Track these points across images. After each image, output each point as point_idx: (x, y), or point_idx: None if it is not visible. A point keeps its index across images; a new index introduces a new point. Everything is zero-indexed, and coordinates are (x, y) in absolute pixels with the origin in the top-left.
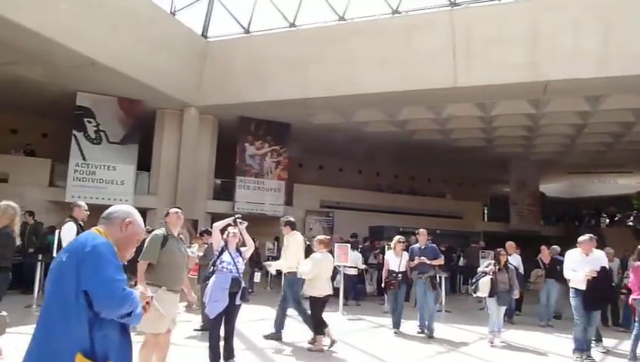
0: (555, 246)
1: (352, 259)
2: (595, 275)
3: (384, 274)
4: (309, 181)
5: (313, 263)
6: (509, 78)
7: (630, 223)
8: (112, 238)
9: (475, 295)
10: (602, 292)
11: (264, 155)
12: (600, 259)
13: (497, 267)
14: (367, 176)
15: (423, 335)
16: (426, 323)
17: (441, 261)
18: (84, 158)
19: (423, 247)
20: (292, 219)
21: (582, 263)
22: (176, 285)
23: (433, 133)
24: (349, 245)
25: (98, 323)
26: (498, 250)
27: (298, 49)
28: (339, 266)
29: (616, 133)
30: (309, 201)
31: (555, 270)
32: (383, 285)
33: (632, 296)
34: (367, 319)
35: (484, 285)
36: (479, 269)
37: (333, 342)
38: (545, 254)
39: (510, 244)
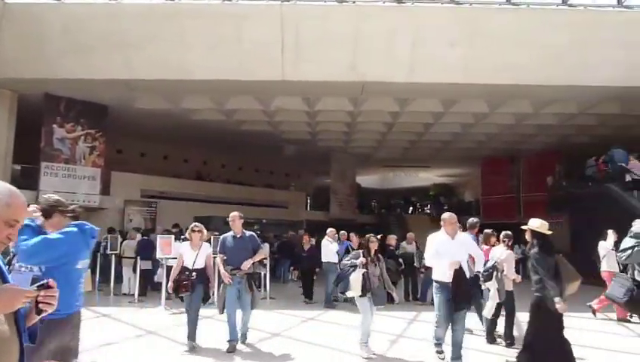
0: (343, 232)
1: (175, 251)
2: (456, 267)
3: (173, 272)
4: (129, 169)
5: None
6: (331, 75)
7: (427, 211)
8: None
9: (346, 295)
10: (467, 287)
11: (76, 139)
12: (467, 243)
13: (369, 258)
14: (193, 164)
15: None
16: (239, 333)
17: (263, 254)
18: None
19: (239, 236)
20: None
21: (448, 248)
22: None
23: (262, 124)
24: (172, 236)
25: None
26: (368, 236)
27: (123, 25)
28: (161, 259)
29: (419, 133)
30: (129, 191)
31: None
32: (170, 286)
33: None
34: None
35: (356, 282)
36: (345, 262)
37: None
38: (354, 240)
39: (331, 231)
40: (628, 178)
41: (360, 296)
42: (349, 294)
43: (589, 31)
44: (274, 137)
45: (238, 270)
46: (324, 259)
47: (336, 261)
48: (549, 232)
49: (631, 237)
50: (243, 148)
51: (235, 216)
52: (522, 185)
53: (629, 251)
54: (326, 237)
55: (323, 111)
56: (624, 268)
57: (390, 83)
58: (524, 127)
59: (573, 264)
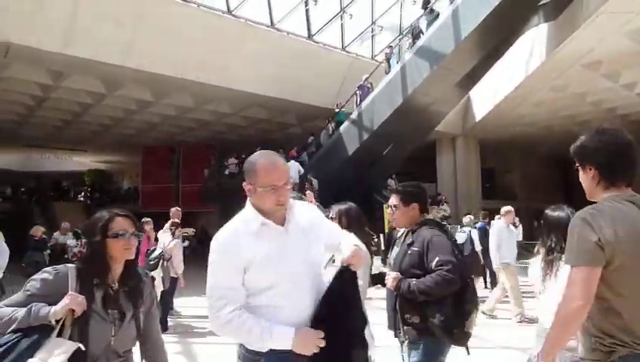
0: None
1: None
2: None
3: None
4: None
5: None
6: None
7: (81, 198)
8: None
9: None
10: None
11: None
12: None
13: None
14: None
15: None
16: None
17: None
18: None
19: None
20: None
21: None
22: None
23: None
24: None
25: None
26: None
27: None
28: None
29: (75, 112)
30: None
31: None
32: None
33: None
34: None
35: None
36: None
37: None
38: None
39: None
40: (226, 171)
41: None
42: None
43: (241, 42)
44: None
45: None
46: None
47: None
48: None
49: None
50: None
51: None
52: (181, 175)
53: None
54: None
55: None
56: None
57: (41, 51)
58: (185, 119)
59: None
